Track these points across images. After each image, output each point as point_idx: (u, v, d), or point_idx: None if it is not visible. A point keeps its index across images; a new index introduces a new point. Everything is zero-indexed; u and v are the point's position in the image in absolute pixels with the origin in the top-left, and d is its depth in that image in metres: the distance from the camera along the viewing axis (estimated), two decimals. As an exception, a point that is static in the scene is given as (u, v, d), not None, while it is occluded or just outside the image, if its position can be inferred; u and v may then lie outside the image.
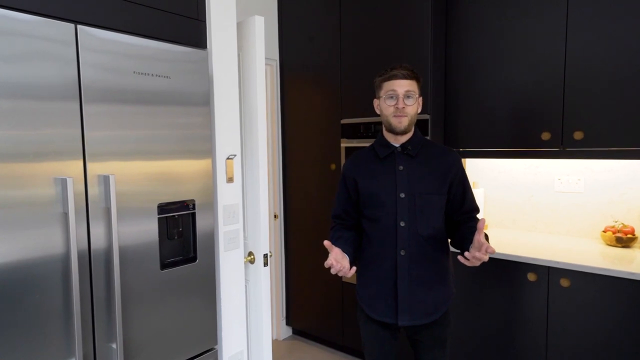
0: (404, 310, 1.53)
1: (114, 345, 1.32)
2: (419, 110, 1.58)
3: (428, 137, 2.33)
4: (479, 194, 2.64)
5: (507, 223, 2.68)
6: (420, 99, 1.57)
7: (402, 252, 1.52)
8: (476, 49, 2.40)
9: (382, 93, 1.54)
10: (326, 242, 1.39)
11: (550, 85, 2.18)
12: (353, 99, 2.67)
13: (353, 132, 2.66)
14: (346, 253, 1.51)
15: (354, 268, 1.43)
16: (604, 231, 2.24)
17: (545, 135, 2.19)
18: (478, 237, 1.34)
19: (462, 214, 1.58)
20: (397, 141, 1.57)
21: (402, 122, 1.51)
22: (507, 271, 2.13)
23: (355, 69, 2.65)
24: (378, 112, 1.60)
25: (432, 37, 2.33)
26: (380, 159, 1.59)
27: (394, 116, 1.51)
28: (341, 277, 2.80)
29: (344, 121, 2.71)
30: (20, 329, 1.14)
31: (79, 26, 1.23)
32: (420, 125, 2.36)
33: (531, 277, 2.06)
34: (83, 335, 1.26)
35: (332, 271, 1.40)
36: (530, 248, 2.20)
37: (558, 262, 1.96)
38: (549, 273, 2.01)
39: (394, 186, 1.53)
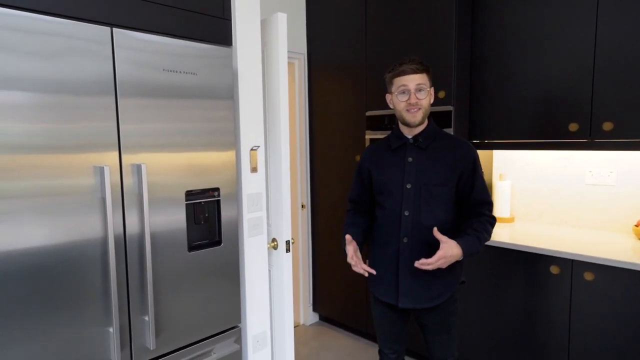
0: (405, 293, 1.60)
1: (146, 318, 1.46)
2: (432, 101, 1.61)
3: (451, 129, 2.34)
4: (505, 187, 2.61)
5: (534, 216, 2.64)
6: (432, 89, 1.60)
7: (405, 240, 1.59)
8: (502, 38, 2.37)
9: (394, 89, 1.59)
10: (348, 237, 1.56)
11: (579, 75, 2.12)
12: (378, 92, 2.70)
13: (378, 123, 2.70)
14: (356, 241, 1.63)
15: (373, 271, 1.56)
16: (637, 225, 2.17)
17: (573, 126, 2.15)
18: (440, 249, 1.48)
19: (470, 206, 1.61)
20: (410, 133, 1.62)
21: (416, 116, 1.56)
22: (529, 263, 2.12)
23: (380, 61, 2.68)
24: (391, 106, 1.64)
25: (457, 26, 2.33)
26: (392, 150, 1.64)
27: (407, 111, 1.56)
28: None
29: (369, 113, 2.75)
30: (66, 302, 1.29)
31: (114, 29, 1.36)
32: (443, 116, 2.37)
33: (554, 270, 2.04)
34: (119, 308, 1.41)
35: (354, 269, 1.58)
36: (555, 241, 2.17)
37: (582, 255, 1.94)
38: (572, 266, 1.99)
39: (401, 177, 1.59)
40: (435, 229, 1.49)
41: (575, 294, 1.99)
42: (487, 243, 2.23)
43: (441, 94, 2.39)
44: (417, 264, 1.47)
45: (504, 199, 2.63)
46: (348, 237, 1.57)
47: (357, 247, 1.61)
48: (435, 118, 2.40)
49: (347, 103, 2.91)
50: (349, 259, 1.56)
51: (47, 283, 1.25)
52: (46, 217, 1.24)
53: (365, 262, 1.70)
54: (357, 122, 2.85)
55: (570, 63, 2.15)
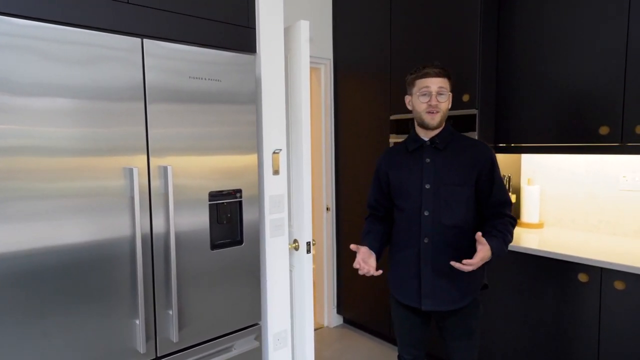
0: (427, 295, 1.60)
1: (170, 312, 1.54)
2: (449, 106, 1.63)
3: (475, 133, 2.31)
4: (534, 191, 2.55)
5: (566, 222, 2.56)
6: (451, 95, 1.62)
7: (426, 240, 1.59)
8: (529, 40, 2.32)
9: (415, 90, 1.60)
10: (352, 246, 1.56)
11: (609, 77, 2.06)
12: (402, 96, 2.70)
13: (402, 127, 2.70)
14: (373, 249, 1.65)
15: (380, 271, 1.54)
16: (674, 233, 2.07)
17: (604, 130, 2.08)
18: (477, 253, 1.45)
19: (490, 207, 1.60)
20: (427, 135, 1.63)
21: (435, 118, 1.57)
22: (556, 271, 2.06)
23: (405, 66, 2.69)
24: (410, 108, 1.66)
25: (482, 29, 2.30)
26: (410, 152, 1.66)
27: (427, 112, 1.57)
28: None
29: (393, 117, 2.76)
30: (97, 296, 1.39)
31: (144, 39, 1.45)
32: (467, 120, 2.35)
33: (582, 278, 1.97)
34: (145, 302, 1.49)
35: (360, 272, 1.55)
36: (585, 248, 2.10)
37: (612, 263, 1.87)
38: (601, 274, 1.92)
39: (420, 177, 1.61)
40: (479, 233, 1.45)
41: (604, 303, 1.92)
42: (513, 249, 2.19)
43: (465, 97, 2.37)
44: (455, 265, 1.43)
45: (533, 204, 2.56)
46: (353, 246, 1.57)
47: (368, 254, 1.58)
48: (459, 122, 2.38)
49: (371, 107, 2.93)
50: (354, 264, 1.55)
51: (81, 277, 1.35)
52: (81, 216, 1.34)
53: (379, 266, 1.70)
54: (382, 125, 2.86)
55: (600, 64, 2.09)
